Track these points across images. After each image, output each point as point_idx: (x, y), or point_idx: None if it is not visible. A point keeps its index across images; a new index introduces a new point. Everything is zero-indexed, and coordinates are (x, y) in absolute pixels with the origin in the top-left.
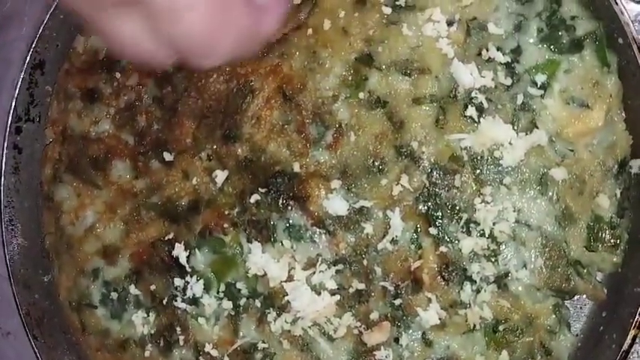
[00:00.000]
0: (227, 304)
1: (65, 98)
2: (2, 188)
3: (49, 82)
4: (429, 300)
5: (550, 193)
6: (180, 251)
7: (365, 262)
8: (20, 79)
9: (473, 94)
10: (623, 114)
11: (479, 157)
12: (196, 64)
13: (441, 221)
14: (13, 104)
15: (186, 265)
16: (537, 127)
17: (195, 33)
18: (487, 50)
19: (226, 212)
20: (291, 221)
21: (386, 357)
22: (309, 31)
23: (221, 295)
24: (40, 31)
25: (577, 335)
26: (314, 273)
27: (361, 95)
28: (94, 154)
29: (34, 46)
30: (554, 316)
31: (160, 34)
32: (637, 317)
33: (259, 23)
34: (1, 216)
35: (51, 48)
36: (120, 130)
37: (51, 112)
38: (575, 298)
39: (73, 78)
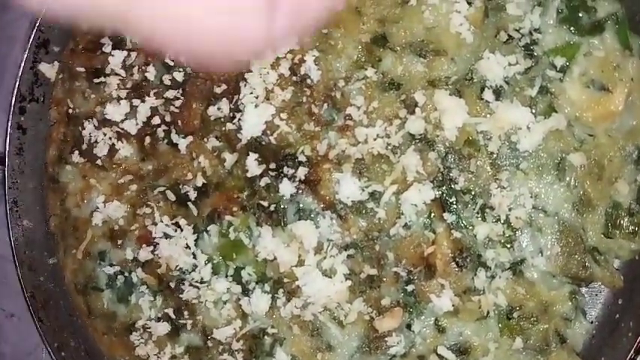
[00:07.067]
0: (236, 289)
1: (70, 78)
2: (7, 169)
3: (54, 61)
4: (442, 286)
5: (568, 179)
6: (188, 234)
7: (377, 247)
8: (24, 58)
9: (490, 77)
10: None
11: (495, 142)
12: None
13: (455, 206)
14: (17, 84)
15: (194, 249)
16: (556, 111)
17: None
18: (505, 31)
19: (235, 195)
20: (301, 205)
21: (397, 343)
22: None
23: (230, 279)
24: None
25: (592, 322)
26: (325, 258)
27: (374, 77)
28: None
29: (37, 25)
30: (569, 303)
31: None
32: None
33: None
34: (5, 197)
35: (55, 26)
36: None
37: (55, 92)
38: (591, 285)
39: (79, 57)
